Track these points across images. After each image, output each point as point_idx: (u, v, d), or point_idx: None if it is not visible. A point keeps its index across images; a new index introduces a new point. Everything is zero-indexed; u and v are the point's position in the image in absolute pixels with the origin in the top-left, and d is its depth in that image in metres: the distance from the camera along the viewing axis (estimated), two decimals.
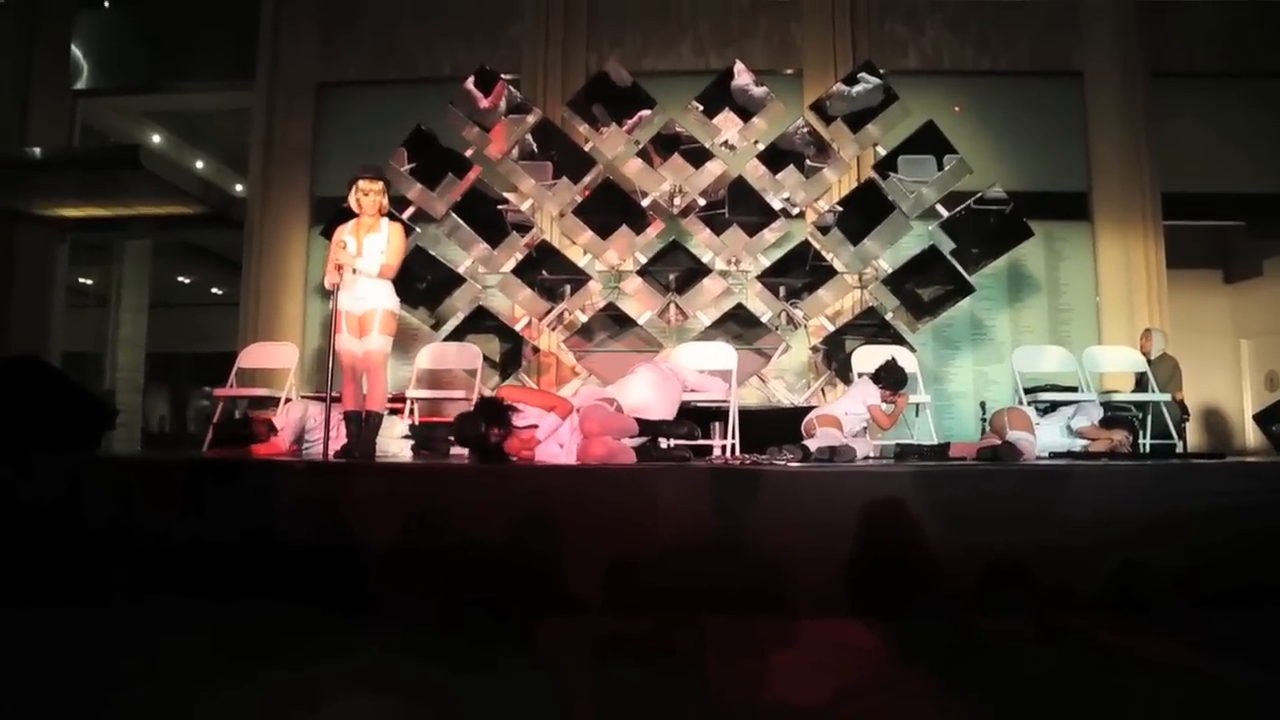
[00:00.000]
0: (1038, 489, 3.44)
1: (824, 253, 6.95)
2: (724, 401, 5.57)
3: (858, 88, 6.91)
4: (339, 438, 4.77)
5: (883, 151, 7.04)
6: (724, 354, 5.96)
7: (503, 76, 7.18)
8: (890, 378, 5.26)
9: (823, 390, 7.27)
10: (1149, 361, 6.85)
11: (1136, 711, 2.16)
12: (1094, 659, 2.63)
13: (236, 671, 2.42)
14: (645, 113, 6.99)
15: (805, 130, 6.89)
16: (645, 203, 7.12)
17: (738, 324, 6.77)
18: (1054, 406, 5.79)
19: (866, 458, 4.99)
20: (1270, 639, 2.85)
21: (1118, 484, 3.48)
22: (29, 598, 3.27)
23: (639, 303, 7.19)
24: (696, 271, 6.91)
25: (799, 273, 6.92)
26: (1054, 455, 5.24)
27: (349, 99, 8.91)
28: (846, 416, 5.22)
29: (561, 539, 3.24)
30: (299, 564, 3.29)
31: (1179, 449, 6.27)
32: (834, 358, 7.07)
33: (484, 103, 7.05)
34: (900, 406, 5.36)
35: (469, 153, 7.14)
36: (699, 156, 6.97)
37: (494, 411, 4.10)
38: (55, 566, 3.37)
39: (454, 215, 6.98)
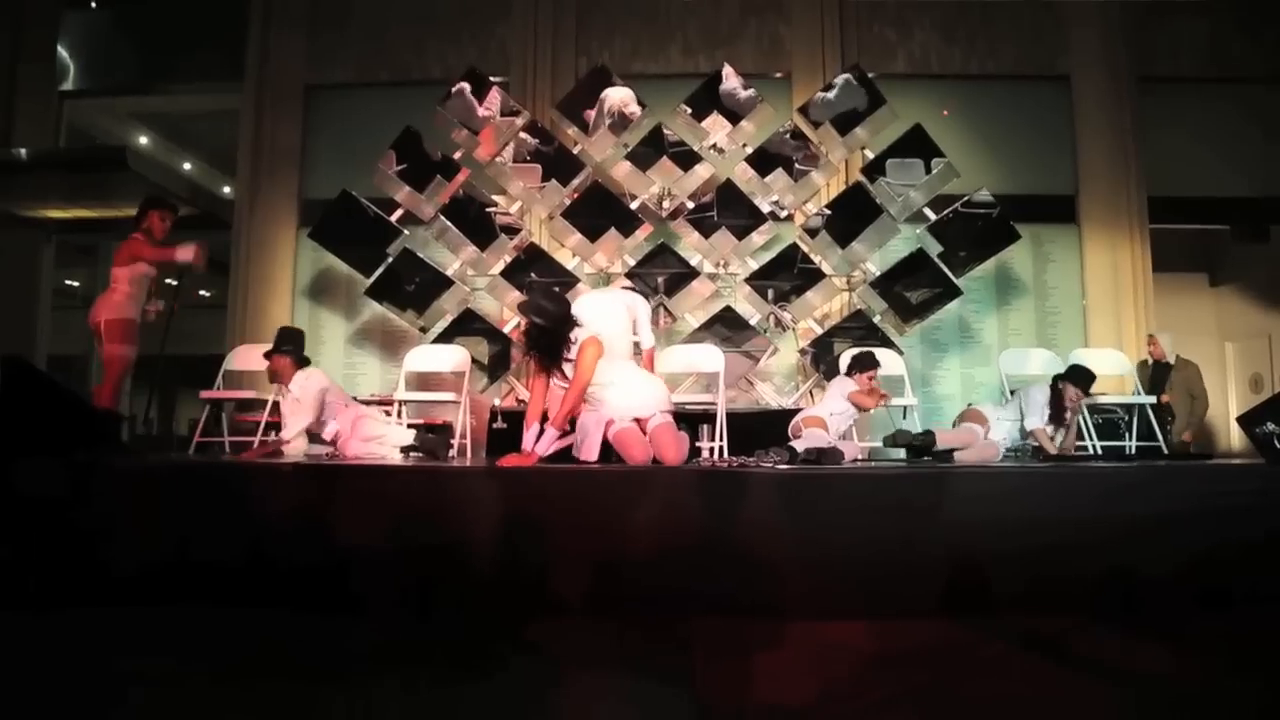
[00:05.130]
0: (1026, 490, 3.46)
1: (812, 256, 6.96)
2: (712, 403, 5.58)
3: (846, 91, 6.93)
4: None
5: (871, 155, 7.08)
6: (710, 356, 5.97)
7: (492, 79, 7.19)
8: (859, 364, 5.34)
9: (811, 393, 7.28)
10: (1166, 366, 7.00)
11: (1121, 715, 2.17)
12: (1080, 662, 2.65)
13: (223, 679, 2.40)
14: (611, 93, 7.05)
15: (793, 133, 6.91)
16: (634, 205, 7.14)
17: (726, 326, 6.78)
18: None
19: (855, 460, 5.01)
20: (1258, 641, 2.87)
21: (1107, 485, 3.50)
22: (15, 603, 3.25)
23: None
24: (685, 274, 6.93)
25: (787, 275, 6.93)
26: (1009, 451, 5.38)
27: (338, 101, 8.87)
28: (831, 417, 5.26)
29: (548, 541, 3.23)
30: (283, 568, 3.27)
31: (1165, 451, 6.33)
32: (822, 360, 7.09)
33: (472, 105, 7.05)
34: (877, 395, 5.43)
35: (457, 155, 7.14)
36: (688, 159, 6.98)
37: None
38: (40, 571, 3.35)
39: (442, 218, 6.97)
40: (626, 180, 7.23)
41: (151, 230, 5.43)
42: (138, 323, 5.34)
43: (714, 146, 7.26)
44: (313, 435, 5.49)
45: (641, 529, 3.25)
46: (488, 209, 7.09)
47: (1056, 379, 5.42)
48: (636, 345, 4.93)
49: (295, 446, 5.20)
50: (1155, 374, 7.32)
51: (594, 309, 4.59)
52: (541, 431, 4.20)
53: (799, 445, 4.72)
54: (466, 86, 7.03)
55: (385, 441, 5.26)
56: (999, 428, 5.43)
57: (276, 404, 5.99)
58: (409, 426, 5.80)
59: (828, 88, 7.04)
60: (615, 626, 2.97)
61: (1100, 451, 6.09)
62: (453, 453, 5.83)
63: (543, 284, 4.82)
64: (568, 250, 7.36)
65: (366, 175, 7.10)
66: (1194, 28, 8.61)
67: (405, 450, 5.22)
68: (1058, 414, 5.34)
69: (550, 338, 4.26)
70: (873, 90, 6.90)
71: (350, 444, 5.27)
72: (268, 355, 5.38)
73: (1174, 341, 7.37)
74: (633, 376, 4.52)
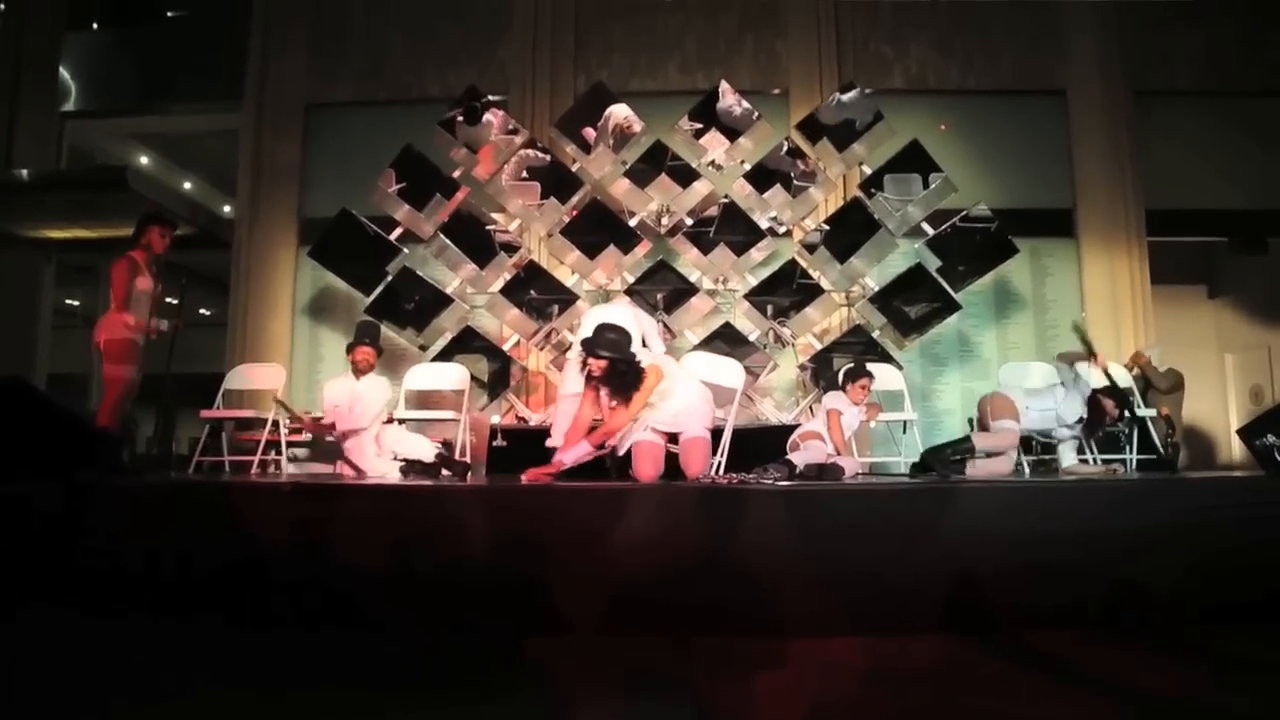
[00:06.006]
0: (1025, 506, 3.44)
1: (811, 271, 6.98)
2: (721, 420, 5.54)
3: (843, 107, 6.97)
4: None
5: (868, 170, 7.10)
6: (733, 372, 5.75)
7: (491, 98, 7.22)
8: (849, 375, 5.33)
9: (810, 408, 7.27)
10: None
11: None
12: (1081, 678, 2.63)
13: (216, 701, 2.40)
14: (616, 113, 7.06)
15: (791, 150, 6.94)
16: (633, 222, 7.16)
17: (725, 343, 6.79)
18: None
19: (854, 475, 5.00)
20: (1260, 655, 2.86)
21: (1106, 500, 3.49)
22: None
23: None
24: (684, 291, 6.94)
25: (786, 291, 6.95)
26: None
27: (337, 120, 8.92)
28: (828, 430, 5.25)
29: (548, 560, 3.22)
30: (284, 587, 3.26)
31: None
32: (822, 375, 7.09)
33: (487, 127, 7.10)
34: (871, 413, 5.41)
35: (457, 173, 7.16)
36: (686, 176, 7.01)
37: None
38: (41, 588, 3.34)
39: (442, 236, 6.98)
40: (625, 197, 7.26)
41: (151, 246, 5.40)
42: (139, 343, 5.30)
43: (712, 163, 7.28)
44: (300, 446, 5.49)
45: (641, 547, 3.23)
46: (487, 227, 7.11)
47: (1096, 392, 5.41)
48: None
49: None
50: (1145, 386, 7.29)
51: (605, 313, 4.69)
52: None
53: (797, 459, 4.71)
54: (490, 117, 7.07)
55: (403, 450, 5.27)
56: (1028, 417, 5.35)
57: (276, 423, 6.00)
58: (439, 443, 5.75)
59: (825, 104, 7.07)
60: (615, 645, 2.96)
61: (1099, 461, 6.07)
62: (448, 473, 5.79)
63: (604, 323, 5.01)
64: (567, 268, 7.38)
65: (366, 194, 7.13)
66: (1190, 41, 8.67)
67: (405, 470, 5.21)
68: (1093, 426, 5.36)
69: (629, 368, 4.34)
70: (870, 106, 6.93)
71: (350, 460, 5.29)
72: (351, 348, 5.48)
73: (1166, 353, 7.32)
74: (687, 389, 4.63)
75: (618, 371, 4.31)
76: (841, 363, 6.64)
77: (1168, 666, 2.76)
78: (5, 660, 2.75)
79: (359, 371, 5.40)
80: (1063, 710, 2.29)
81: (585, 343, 4.38)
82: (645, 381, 4.33)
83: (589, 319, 5.19)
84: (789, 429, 5.62)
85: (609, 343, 4.30)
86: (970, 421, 7.51)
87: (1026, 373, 6.81)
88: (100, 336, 5.20)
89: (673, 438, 4.68)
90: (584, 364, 4.38)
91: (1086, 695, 2.44)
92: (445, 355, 6.97)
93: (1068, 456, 5.49)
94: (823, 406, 5.39)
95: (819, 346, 7.25)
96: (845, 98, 7.01)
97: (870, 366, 5.54)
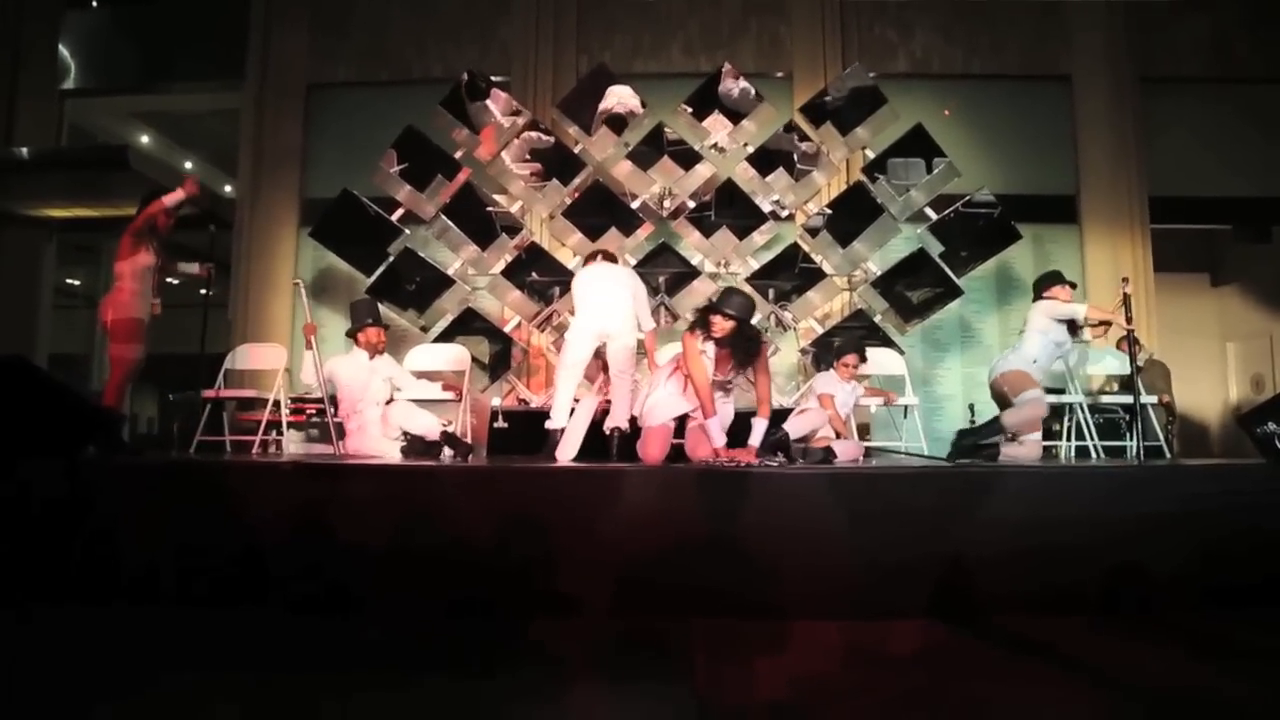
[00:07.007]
0: (1027, 492, 3.45)
1: (813, 255, 6.97)
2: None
3: (847, 91, 6.93)
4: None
5: (872, 154, 7.07)
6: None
7: (493, 78, 7.18)
8: (837, 351, 5.32)
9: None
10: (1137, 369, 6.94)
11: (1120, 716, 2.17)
12: (1079, 663, 2.64)
13: (224, 681, 2.40)
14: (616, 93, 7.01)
15: (794, 133, 6.90)
16: (635, 205, 7.13)
17: None
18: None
19: (854, 460, 5.01)
20: (1259, 641, 2.87)
21: (1107, 486, 3.50)
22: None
23: None
24: (686, 274, 6.93)
25: (788, 275, 6.94)
26: None
27: (339, 100, 8.88)
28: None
29: (549, 541, 3.24)
30: (286, 568, 3.27)
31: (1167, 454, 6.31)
32: (823, 360, 7.07)
33: (488, 109, 7.06)
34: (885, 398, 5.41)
35: (458, 154, 7.14)
36: (688, 159, 6.97)
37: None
38: (40, 573, 3.35)
39: (443, 217, 6.97)
40: (627, 179, 7.23)
41: (156, 223, 5.37)
42: (144, 321, 5.27)
43: (715, 146, 7.25)
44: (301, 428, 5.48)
45: (642, 528, 3.25)
46: (488, 208, 7.09)
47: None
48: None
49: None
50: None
51: (600, 281, 4.83)
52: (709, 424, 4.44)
53: (790, 426, 4.75)
54: (490, 101, 7.03)
55: (411, 425, 5.26)
56: (1040, 366, 5.28)
57: (278, 403, 6.01)
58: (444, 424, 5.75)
59: (829, 87, 7.04)
60: (615, 625, 2.98)
61: (1102, 454, 6.08)
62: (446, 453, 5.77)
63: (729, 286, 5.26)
64: (568, 250, 7.37)
65: (367, 174, 7.10)
66: (1196, 28, 8.61)
67: (406, 450, 5.21)
68: (1074, 329, 5.43)
69: (754, 332, 4.45)
70: (874, 90, 6.89)
71: (351, 440, 5.30)
72: (354, 332, 5.50)
73: (1163, 345, 7.33)
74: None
75: (744, 335, 4.36)
76: None
77: (1168, 652, 2.77)
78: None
79: (374, 352, 5.43)
80: (1060, 694, 2.30)
81: (714, 304, 4.45)
82: (765, 353, 4.49)
83: (586, 276, 5.25)
84: (789, 412, 5.63)
85: (739, 305, 4.35)
86: (970, 407, 7.55)
87: None
88: (107, 315, 5.17)
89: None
90: (705, 324, 4.41)
91: (1085, 679, 2.45)
92: (446, 336, 6.97)
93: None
94: (814, 392, 5.39)
95: (820, 330, 7.25)
96: (848, 73, 6.98)
97: (872, 351, 5.53)
